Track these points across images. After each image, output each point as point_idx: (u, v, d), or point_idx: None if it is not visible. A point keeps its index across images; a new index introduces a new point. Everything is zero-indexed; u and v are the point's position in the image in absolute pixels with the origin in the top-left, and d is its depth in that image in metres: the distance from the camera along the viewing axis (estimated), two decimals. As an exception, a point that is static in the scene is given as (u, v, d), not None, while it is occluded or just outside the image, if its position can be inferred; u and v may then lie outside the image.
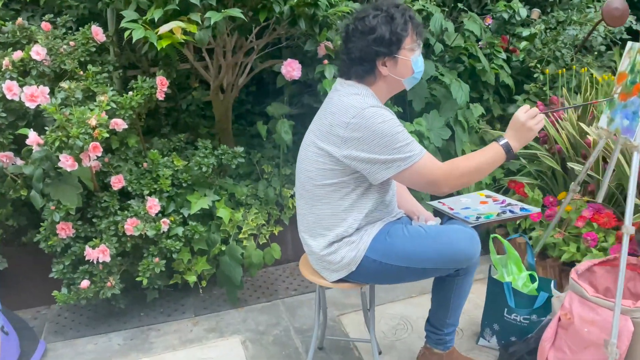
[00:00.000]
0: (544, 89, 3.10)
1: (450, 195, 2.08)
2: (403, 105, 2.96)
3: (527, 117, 1.66)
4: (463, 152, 2.98)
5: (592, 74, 3.06)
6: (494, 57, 3.17)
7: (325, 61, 2.40)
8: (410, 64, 1.68)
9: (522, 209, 1.87)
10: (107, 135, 1.97)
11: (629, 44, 1.75)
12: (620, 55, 3.21)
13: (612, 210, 2.46)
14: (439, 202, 2.09)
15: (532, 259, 2.23)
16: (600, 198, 1.93)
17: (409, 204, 1.98)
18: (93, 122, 1.91)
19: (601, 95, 2.84)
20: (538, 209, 1.85)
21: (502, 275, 2.22)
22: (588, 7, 3.49)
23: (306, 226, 1.79)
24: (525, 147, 3.09)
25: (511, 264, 2.22)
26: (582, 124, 2.66)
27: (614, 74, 3.45)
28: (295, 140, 2.56)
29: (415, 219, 1.91)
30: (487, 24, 3.02)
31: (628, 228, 1.65)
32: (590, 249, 2.37)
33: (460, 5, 2.97)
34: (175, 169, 2.45)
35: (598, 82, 2.89)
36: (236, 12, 2.10)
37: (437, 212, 2.01)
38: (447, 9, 2.93)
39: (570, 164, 2.58)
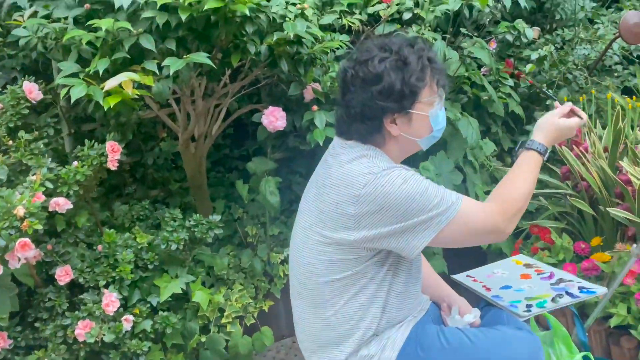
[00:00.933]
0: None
1: (476, 261, 1.68)
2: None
3: (577, 122, 1.39)
4: (477, 197, 2.58)
5: (614, 99, 2.72)
6: (500, 84, 2.80)
7: (315, 107, 2.00)
8: (429, 121, 1.30)
9: (582, 289, 1.46)
10: (40, 227, 1.51)
11: None
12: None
13: (666, 262, 2.07)
14: (467, 276, 1.68)
15: (584, 334, 1.81)
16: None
17: (435, 287, 1.56)
18: (20, 211, 1.46)
19: (627, 125, 2.48)
20: (604, 289, 1.45)
21: (548, 358, 1.80)
22: (595, 23, 3.17)
23: (310, 336, 1.35)
24: (546, 186, 2.72)
25: (559, 343, 1.80)
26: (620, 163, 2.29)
27: (632, 95, 3.12)
28: (282, 194, 2.16)
29: (445, 309, 1.49)
30: (492, 48, 2.66)
31: None
32: (646, 313, 1.97)
33: (463, 30, 2.60)
34: (139, 247, 2.01)
35: (623, 108, 2.54)
36: (202, 57, 1.69)
37: (469, 294, 1.59)
38: (447, 35, 2.56)
39: (611, 211, 2.20)
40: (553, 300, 1.42)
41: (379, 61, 1.23)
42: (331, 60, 2.16)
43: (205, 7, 1.65)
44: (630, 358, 2.01)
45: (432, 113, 1.29)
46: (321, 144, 1.92)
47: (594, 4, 3.26)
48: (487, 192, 2.80)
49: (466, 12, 2.56)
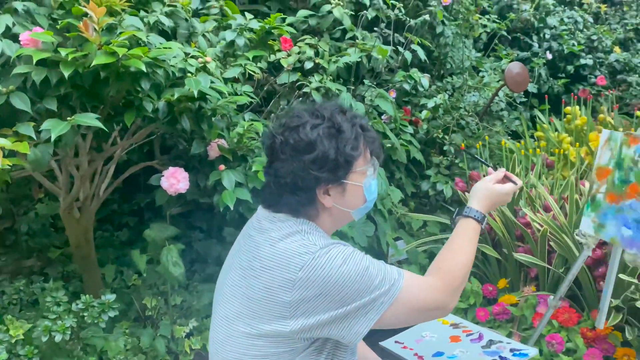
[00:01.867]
0: (460, 164, 2.84)
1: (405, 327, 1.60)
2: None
3: (512, 187, 1.35)
4: (387, 245, 2.55)
5: (499, 141, 2.88)
6: (401, 132, 2.85)
7: (222, 166, 1.83)
8: (362, 191, 1.20)
9: (514, 352, 1.44)
10: None
11: (605, 132, 1.45)
12: (529, 116, 3.09)
13: (568, 303, 2.17)
14: (395, 342, 1.59)
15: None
16: (600, 324, 1.57)
17: None
18: None
19: (522, 170, 2.62)
20: (535, 350, 1.44)
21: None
22: (479, 71, 3.38)
23: None
24: (449, 229, 2.77)
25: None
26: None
27: (518, 137, 3.35)
28: (183, 255, 1.93)
29: None
30: (391, 97, 2.70)
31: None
32: (558, 355, 2.02)
33: (366, 81, 2.61)
34: (13, 341, 1.66)
35: (512, 151, 2.69)
36: (90, 119, 1.46)
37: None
38: (352, 87, 2.55)
39: (517, 256, 2.27)
40: (489, 366, 1.38)
41: (311, 128, 1.12)
42: (235, 111, 2.03)
43: (94, 63, 1.44)
44: (546, 400, 2.05)
45: (365, 183, 1.19)
46: (231, 208, 1.75)
47: (478, 54, 3.49)
48: (396, 239, 2.81)
49: (365, 62, 2.58)
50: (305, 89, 2.41)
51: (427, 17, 2.85)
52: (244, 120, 2.12)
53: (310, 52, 2.48)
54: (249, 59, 1.90)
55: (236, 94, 1.87)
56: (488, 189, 1.33)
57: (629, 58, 4.48)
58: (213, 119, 1.86)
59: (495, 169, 1.39)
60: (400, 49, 2.65)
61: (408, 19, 2.83)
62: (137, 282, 2.41)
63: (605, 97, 3.87)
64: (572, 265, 1.69)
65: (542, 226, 2.20)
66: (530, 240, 2.35)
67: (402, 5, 2.70)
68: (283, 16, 2.11)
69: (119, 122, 1.69)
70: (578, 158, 2.60)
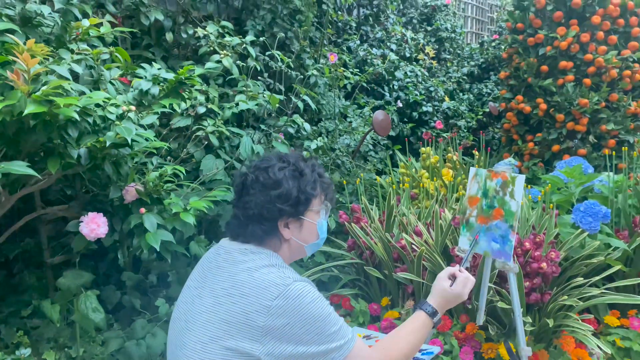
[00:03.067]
0: (341, 198, 3.18)
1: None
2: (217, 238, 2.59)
3: (463, 287, 1.50)
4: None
5: (372, 178, 3.31)
6: (288, 171, 3.10)
7: (142, 209, 1.89)
8: (316, 228, 1.41)
9: (423, 352, 1.74)
10: None
11: (472, 170, 1.87)
12: (392, 157, 3.58)
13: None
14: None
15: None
16: (480, 321, 1.96)
17: None
18: None
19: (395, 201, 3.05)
20: (438, 348, 1.75)
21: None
22: (346, 117, 3.83)
23: None
24: (335, 258, 3.08)
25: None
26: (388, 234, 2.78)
27: (382, 173, 3.83)
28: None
29: None
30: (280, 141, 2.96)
31: (524, 350, 1.68)
32: (439, 356, 2.40)
33: (263, 126, 2.83)
34: None
35: (382, 186, 3.12)
36: (21, 166, 1.46)
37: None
38: (250, 130, 2.75)
39: (400, 274, 2.64)
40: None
41: (278, 169, 1.33)
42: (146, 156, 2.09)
43: (26, 112, 1.45)
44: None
45: (319, 222, 1.40)
46: (157, 249, 1.81)
47: (345, 102, 3.95)
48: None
49: (257, 108, 2.81)
50: (199, 133, 2.55)
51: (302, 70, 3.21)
52: (152, 164, 2.19)
53: (201, 98, 2.64)
54: (165, 107, 2.01)
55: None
56: (445, 290, 1.50)
57: (457, 106, 5.40)
58: (128, 164, 1.92)
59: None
60: (293, 98, 2.92)
61: (290, 71, 3.16)
62: (21, 339, 2.25)
63: (443, 139, 4.62)
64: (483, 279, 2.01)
65: (419, 248, 2.60)
66: (406, 260, 2.75)
67: (288, 60, 3.00)
68: (192, 68, 2.25)
69: (42, 169, 1.67)
70: (436, 190, 3.12)
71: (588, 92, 3.59)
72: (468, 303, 2.49)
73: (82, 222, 1.79)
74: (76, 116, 1.54)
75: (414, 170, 3.46)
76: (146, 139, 1.85)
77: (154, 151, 1.95)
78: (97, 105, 1.76)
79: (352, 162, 3.43)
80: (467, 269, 1.59)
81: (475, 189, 1.85)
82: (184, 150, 2.36)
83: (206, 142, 2.64)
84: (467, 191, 1.88)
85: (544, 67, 3.77)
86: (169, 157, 2.40)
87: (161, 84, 2.08)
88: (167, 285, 2.53)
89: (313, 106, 2.83)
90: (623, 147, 3.26)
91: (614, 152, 3.19)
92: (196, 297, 1.35)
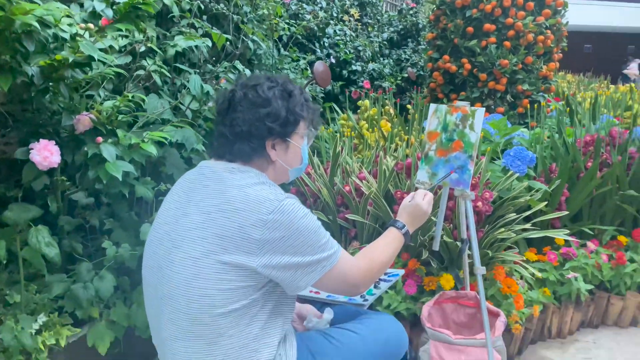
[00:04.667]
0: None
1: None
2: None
3: (429, 204, 1.62)
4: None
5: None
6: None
7: (100, 138, 1.77)
8: (300, 153, 1.42)
9: (388, 274, 1.84)
10: None
11: (433, 106, 1.97)
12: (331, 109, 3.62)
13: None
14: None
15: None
16: (436, 247, 2.09)
17: None
18: None
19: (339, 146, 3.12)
20: (402, 271, 1.86)
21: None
22: (282, 69, 3.81)
23: None
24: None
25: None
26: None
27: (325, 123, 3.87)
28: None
29: (295, 318, 1.61)
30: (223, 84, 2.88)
31: (479, 269, 1.84)
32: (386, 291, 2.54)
33: (210, 66, 2.73)
34: None
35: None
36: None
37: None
38: (199, 70, 2.65)
39: (350, 217, 2.73)
40: (375, 287, 1.74)
41: (267, 88, 1.32)
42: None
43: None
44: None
45: (303, 146, 1.42)
46: (120, 179, 1.72)
47: (284, 52, 3.92)
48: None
49: (203, 49, 2.71)
50: (139, 72, 2.42)
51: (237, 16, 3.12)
52: (99, 96, 2.05)
53: (139, 36, 2.49)
54: (120, 30, 1.88)
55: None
56: (408, 205, 1.62)
57: (382, 68, 5.57)
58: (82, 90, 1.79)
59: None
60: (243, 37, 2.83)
61: (231, 14, 3.06)
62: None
63: (371, 96, 4.76)
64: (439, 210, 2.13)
65: (365, 191, 2.70)
66: (350, 204, 2.85)
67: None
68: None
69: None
70: (375, 141, 3.23)
71: (508, 54, 3.89)
72: (410, 242, 2.65)
73: (32, 149, 1.65)
74: (37, 25, 1.40)
75: (353, 122, 3.54)
76: (104, 64, 1.72)
77: (109, 75, 1.82)
78: (44, 24, 1.61)
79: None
80: None
81: (435, 124, 1.96)
82: (124, 90, 2.23)
83: (146, 84, 2.51)
84: (426, 127, 1.98)
85: (470, 29, 4.00)
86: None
87: (114, 7, 1.93)
88: (109, 231, 2.41)
89: (264, 46, 2.78)
90: (535, 106, 3.61)
91: (528, 107, 3.49)
92: (180, 216, 1.32)
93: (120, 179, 1.71)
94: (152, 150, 1.78)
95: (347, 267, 1.35)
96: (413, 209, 1.60)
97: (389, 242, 1.52)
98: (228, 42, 2.99)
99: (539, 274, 2.73)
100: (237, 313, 1.24)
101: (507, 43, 3.91)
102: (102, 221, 2.44)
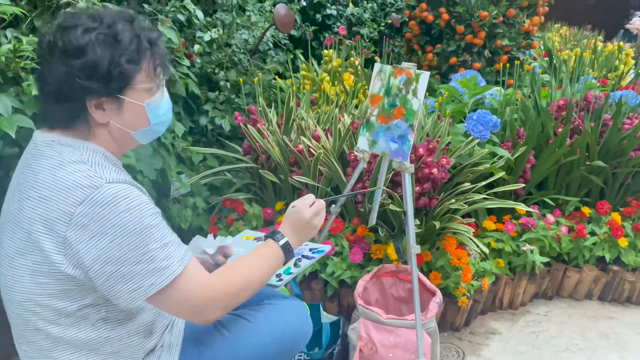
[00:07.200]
0: (235, 99, 2.97)
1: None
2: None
3: (313, 214, 1.33)
4: (172, 179, 2.56)
5: (269, 80, 3.11)
6: (177, 64, 2.81)
7: (-9, 90, 1.56)
8: (145, 111, 1.12)
9: (313, 250, 1.70)
10: None
11: (377, 65, 1.77)
12: (292, 59, 3.37)
13: (335, 215, 2.58)
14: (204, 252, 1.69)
15: (297, 287, 2.11)
16: (373, 221, 1.95)
17: None
18: None
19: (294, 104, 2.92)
20: (328, 246, 1.72)
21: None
22: (245, 10, 3.52)
23: None
24: (230, 162, 2.92)
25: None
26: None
27: (282, 76, 3.64)
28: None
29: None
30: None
31: (413, 247, 1.70)
32: (330, 257, 2.42)
33: (147, 6, 2.46)
34: None
35: (282, 89, 2.95)
36: None
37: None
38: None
39: (296, 178, 2.56)
40: (295, 265, 1.60)
41: (82, 31, 1.01)
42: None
43: None
44: (320, 297, 2.44)
45: (149, 103, 1.11)
46: (13, 136, 1.53)
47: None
48: (179, 173, 2.82)
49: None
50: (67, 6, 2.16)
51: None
52: (5, 37, 1.81)
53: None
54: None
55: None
56: (292, 213, 1.34)
57: (361, 13, 5.23)
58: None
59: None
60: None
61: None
62: None
63: (346, 45, 4.47)
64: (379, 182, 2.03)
65: (316, 152, 2.52)
66: (303, 165, 2.68)
67: None
68: None
69: None
70: (336, 96, 3.02)
71: (488, 5, 3.61)
72: (360, 207, 2.50)
73: None
74: None
75: (315, 73, 3.31)
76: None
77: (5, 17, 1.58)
78: None
79: (251, 61, 3.19)
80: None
81: (378, 87, 1.76)
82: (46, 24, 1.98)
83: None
84: (370, 89, 1.79)
85: (450, -25, 3.70)
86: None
87: None
88: None
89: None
90: (516, 62, 3.38)
91: (507, 65, 3.28)
92: (8, 201, 1.11)
93: (14, 136, 1.52)
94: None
95: (192, 286, 1.07)
96: (294, 218, 1.32)
97: (261, 258, 1.23)
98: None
99: (495, 244, 2.62)
100: (72, 319, 1.08)
101: (489, -7, 3.63)
102: None
